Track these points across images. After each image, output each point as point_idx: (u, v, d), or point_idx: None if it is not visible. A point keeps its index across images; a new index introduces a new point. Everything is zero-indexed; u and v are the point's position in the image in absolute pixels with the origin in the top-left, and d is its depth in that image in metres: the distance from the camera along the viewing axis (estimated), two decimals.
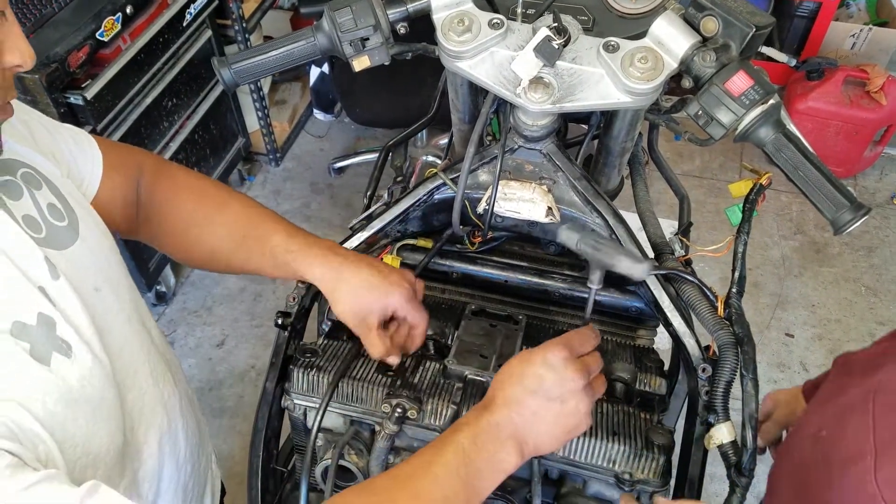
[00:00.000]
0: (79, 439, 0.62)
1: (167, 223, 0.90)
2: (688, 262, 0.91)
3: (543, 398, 0.68)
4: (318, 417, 0.81)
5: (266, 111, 2.64)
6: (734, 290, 0.83)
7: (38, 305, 0.61)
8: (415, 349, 0.87)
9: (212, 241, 0.89)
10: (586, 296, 0.96)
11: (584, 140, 1.04)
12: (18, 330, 0.59)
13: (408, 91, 2.17)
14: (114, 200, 0.86)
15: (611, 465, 0.79)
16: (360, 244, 0.93)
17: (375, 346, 0.82)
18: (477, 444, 0.65)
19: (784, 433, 1.11)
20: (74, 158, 0.81)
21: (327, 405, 0.81)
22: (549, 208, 0.89)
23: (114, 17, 1.77)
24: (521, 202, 0.90)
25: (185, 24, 2.07)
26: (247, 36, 2.37)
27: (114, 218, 0.85)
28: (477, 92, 0.92)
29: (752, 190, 0.85)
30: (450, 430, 0.68)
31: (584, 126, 1.07)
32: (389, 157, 1.29)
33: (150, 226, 0.91)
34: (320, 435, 0.88)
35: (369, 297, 0.81)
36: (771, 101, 0.70)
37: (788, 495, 0.85)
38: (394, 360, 0.83)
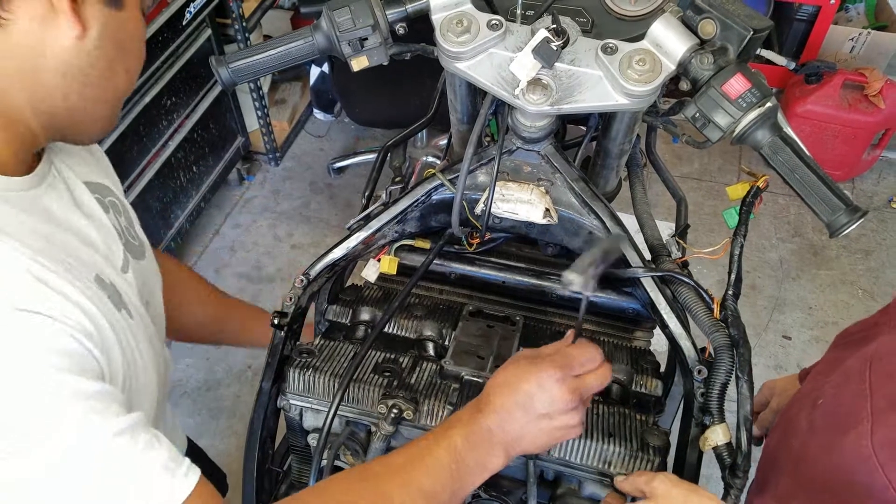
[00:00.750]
0: (134, 389, 0.69)
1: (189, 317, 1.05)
2: (685, 265, 0.91)
3: (532, 414, 0.70)
4: (328, 421, 0.80)
5: (266, 110, 2.64)
6: (730, 292, 0.83)
7: (110, 276, 0.69)
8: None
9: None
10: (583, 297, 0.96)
11: (582, 142, 1.04)
12: (100, 282, 0.66)
13: (407, 91, 2.17)
14: None
15: (606, 467, 0.79)
16: (357, 244, 0.94)
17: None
18: (469, 443, 0.68)
19: None
20: None
21: (336, 411, 0.80)
22: (547, 209, 0.89)
23: None
24: (519, 203, 0.90)
25: (184, 23, 2.07)
26: (247, 35, 2.37)
27: None
28: (475, 93, 0.93)
29: (748, 193, 0.85)
30: (445, 425, 0.70)
31: (582, 128, 1.07)
32: (388, 158, 1.29)
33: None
34: (315, 435, 0.88)
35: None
36: (768, 104, 0.70)
37: (785, 465, 0.87)
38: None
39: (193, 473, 0.61)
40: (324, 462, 0.83)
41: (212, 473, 1.17)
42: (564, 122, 1.08)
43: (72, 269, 0.62)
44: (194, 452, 1.11)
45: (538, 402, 0.70)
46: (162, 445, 0.61)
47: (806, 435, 0.83)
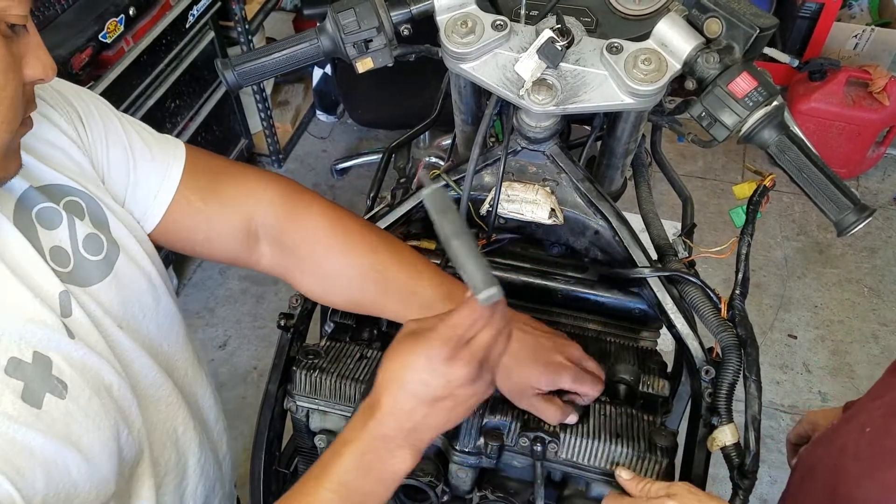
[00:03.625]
0: (62, 486, 0.60)
1: (308, 266, 0.83)
2: (691, 264, 0.91)
3: (430, 401, 0.62)
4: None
5: (269, 112, 2.64)
6: (737, 291, 0.82)
7: (35, 344, 0.60)
8: (589, 401, 0.81)
9: (357, 290, 0.83)
10: (589, 297, 0.96)
11: (587, 141, 1.04)
12: (13, 367, 0.57)
13: (411, 92, 2.17)
14: (185, 227, 0.80)
15: (613, 468, 0.79)
16: None
17: (547, 413, 0.76)
18: (363, 464, 0.62)
19: None
20: (138, 182, 0.76)
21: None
22: (553, 210, 0.89)
23: (117, 19, 1.78)
24: (525, 204, 0.90)
25: (187, 26, 2.07)
26: (250, 38, 2.37)
27: (184, 245, 0.81)
28: (480, 94, 0.92)
29: (755, 192, 0.85)
30: (331, 451, 0.63)
31: (587, 127, 1.07)
32: (392, 159, 1.29)
33: (286, 264, 0.84)
34: (322, 436, 0.88)
35: (530, 376, 0.76)
36: (774, 103, 0.70)
37: (822, 480, 0.85)
38: (572, 419, 0.77)
39: None
40: None
41: None
42: (569, 121, 1.08)
43: None
44: None
45: (433, 388, 0.61)
46: None
47: (848, 457, 0.82)
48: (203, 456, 0.82)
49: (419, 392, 0.61)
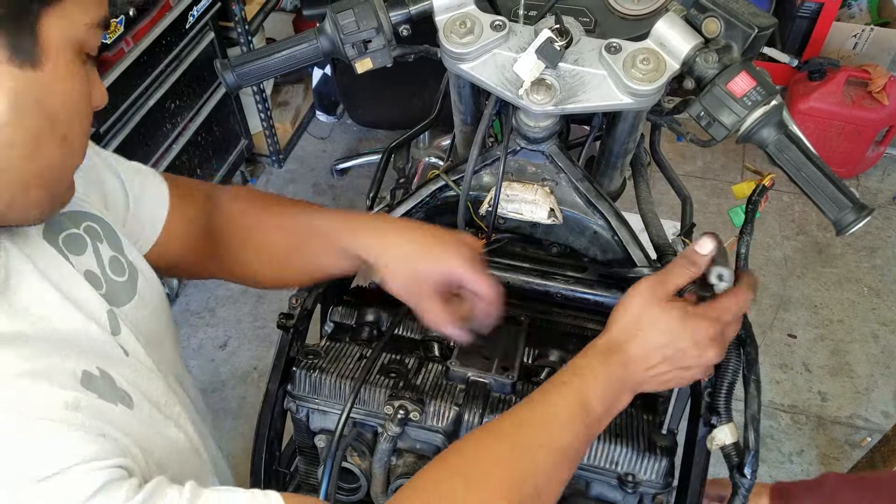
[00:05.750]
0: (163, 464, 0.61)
1: (253, 251, 0.85)
2: None
3: (676, 366, 0.68)
4: (339, 426, 0.79)
5: (269, 113, 2.64)
6: None
7: (97, 361, 0.59)
8: (487, 325, 0.80)
9: (279, 253, 0.85)
10: (588, 296, 0.96)
11: (586, 141, 1.04)
12: (87, 380, 0.57)
13: (410, 93, 2.17)
14: (181, 239, 0.82)
15: (613, 467, 0.79)
16: None
17: (430, 312, 0.75)
18: (601, 396, 0.66)
19: None
20: (138, 203, 0.78)
21: (348, 415, 0.80)
22: (552, 209, 0.89)
23: (116, 20, 1.78)
24: (524, 203, 0.90)
25: (187, 27, 2.07)
26: (249, 38, 2.37)
27: (176, 260, 0.83)
28: (479, 94, 0.93)
29: (754, 191, 0.85)
30: (574, 375, 0.67)
31: (586, 127, 1.07)
32: (392, 159, 1.29)
33: (228, 257, 0.86)
34: (322, 436, 0.88)
35: (422, 264, 0.75)
36: (773, 102, 0.70)
37: None
38: (458, 335, 0.76)
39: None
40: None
41: None
42: (568, 121, 1.08)
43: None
44: None
45: (688, 358, 0.68)
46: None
47: None
48: (214, 483, 0.80)
49: (672, 357, 0.68)
